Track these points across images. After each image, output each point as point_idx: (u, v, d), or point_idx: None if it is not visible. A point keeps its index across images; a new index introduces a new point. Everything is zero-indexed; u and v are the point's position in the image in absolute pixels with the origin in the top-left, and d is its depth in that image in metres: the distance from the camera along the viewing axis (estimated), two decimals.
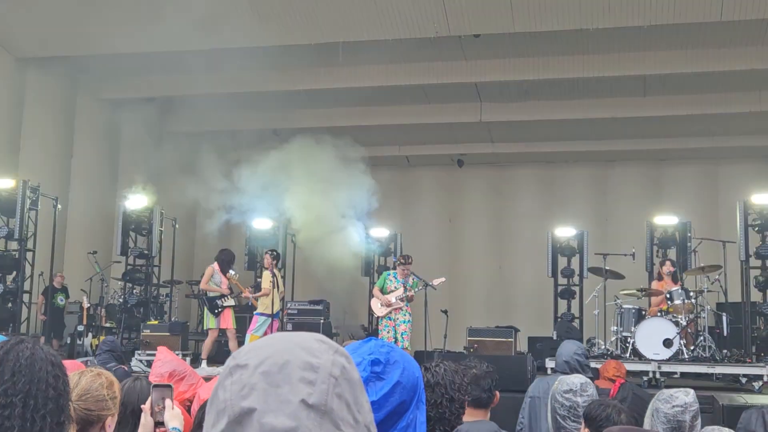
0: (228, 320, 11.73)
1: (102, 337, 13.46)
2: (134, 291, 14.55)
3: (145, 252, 14.65)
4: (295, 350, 0.96)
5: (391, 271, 11.67)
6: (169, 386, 3.27)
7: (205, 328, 12.58)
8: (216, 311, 11.65)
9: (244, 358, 0.96)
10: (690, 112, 15.87)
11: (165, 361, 4.50)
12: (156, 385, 3.24)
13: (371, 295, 11.79)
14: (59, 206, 13.43)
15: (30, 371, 2.19)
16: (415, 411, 1.66)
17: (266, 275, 12.14)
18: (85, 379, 2.78)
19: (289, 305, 14.50)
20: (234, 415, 0.91)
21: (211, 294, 11.76)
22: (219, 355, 12.98)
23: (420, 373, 1.73)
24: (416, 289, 11.24)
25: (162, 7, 12.06)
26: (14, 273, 12.79)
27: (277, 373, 0.92)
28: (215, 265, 11.93)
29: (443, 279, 11.39)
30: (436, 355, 10.29)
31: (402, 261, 11.53)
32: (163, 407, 3.16)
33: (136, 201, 14.52)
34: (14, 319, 12.48)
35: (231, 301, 11.85)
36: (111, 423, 2.80)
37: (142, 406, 3.17)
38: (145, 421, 3.13)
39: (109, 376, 2.87)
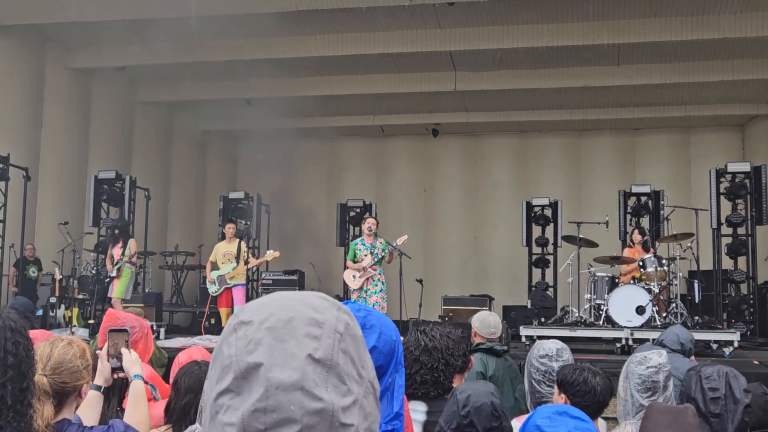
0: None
1: (75, 309, 13.40)
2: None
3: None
4: (299, 306, 0.96)
5: (358, 240, 11.58)
6: (126, 330, 3.23)
7: None
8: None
9: (248, 315, 0.96)
10: (663, 80, 15.92)
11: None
12: (112, 330, 3.20)
13: (345, 268, 11.70)
14: (29, 177, 13.26)
15: None
16: (394, 374, 1.65)
17: (243, 245, 12.16)
18: (57, 350, 2.74)
19: (263, 276, 14.50)
20: (240, 371, 0.91)
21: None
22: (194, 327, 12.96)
23: (398, 337, 1.72)
24: (387, 250, 11.06)
25: None
26: None
27: (283, 329, 0.93)
28: None
29: (406, 237, 11.26)
30: (411, 324, 10.30)
31: (363, 225, 11.47)
32: (121, 353, 3.13)
33: (108, 171, 14.40)
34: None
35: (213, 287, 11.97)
36: (86, 389, 2.78)
37: (98, 351, 3.13)
38: (102, 366, 3.10)
39: (81, 344, 2.82)
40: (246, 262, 12.08)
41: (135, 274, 12.43)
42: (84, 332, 11.89)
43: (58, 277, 13.10)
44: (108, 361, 3.11)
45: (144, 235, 15.55)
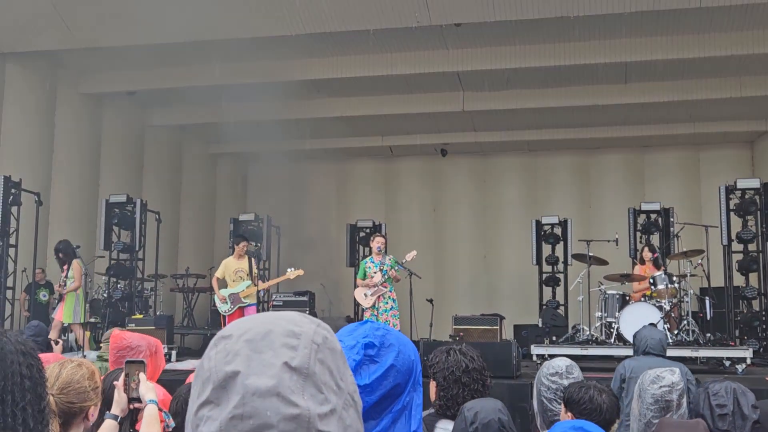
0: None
1: (87, 333, 13.42)
2: (118, 285, 14.50)
3: (129, 246, 14.61)
4: (278, 321, 0.99)
5: (367, 259, 11.59)
6: (142, 362, 3.26)
7: None
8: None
9: (228, 331, 0.99)
10: (671, 98, 15.94)
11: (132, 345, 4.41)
12: (129, 361, 3.23)
13: (356, 287, 11.72)
14: (41, 201, 13.34)
15: (2, 367, 2.17)
16: (412, 393, 1.66)
17: (253, 262, 12.11)
18: (66, 371, 2.77)
19: (274, 297, 14.50)
20: (218, 380, 0.93)
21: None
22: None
23: (417, 356, 1.73)
24: (397, 268, 11.10)
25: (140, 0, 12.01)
26: None
27: (261, 341, 0.95)
28: None
29: (414, 252, 11.28)
30: (422, 344, 10.29)
31: (372, 243, 11.49)
32: (138, 382, 3.15)
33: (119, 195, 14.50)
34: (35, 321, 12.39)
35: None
36: (93, 412, 2.79)
37: (115, 382, 3.15)
38: (119, 397, 3.12)
39: (90, 366, 2.85)
40: (262, 281, 12.00)
41: (81, 295, 12.26)
42: (95, 355, 11.90)
43: None
44: (125, 391, 3.13)
45: (155, 258, 15.59)
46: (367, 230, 16.79)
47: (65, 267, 12.03)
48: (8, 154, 14.30)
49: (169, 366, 10.72)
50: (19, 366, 2.20)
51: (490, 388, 3.44)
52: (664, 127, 18.03)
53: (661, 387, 3.55)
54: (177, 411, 3.28)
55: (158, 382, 4.49)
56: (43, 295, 14.27)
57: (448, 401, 3.30)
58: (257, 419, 0.89)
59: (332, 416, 0.93)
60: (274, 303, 14.39)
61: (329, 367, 0.96)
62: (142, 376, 3.17)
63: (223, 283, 11.93)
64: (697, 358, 11.04)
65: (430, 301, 12.82)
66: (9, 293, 12.86)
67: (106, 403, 3.46)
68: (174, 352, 12.64)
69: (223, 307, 11.75)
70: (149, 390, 3.18)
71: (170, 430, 3.39)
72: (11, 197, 12.70)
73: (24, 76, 14.73)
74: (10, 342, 2.23)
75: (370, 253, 11.74)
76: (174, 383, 3.79)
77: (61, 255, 12.16)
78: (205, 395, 0.94)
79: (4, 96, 14.48)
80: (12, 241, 12.84)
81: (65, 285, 11.91)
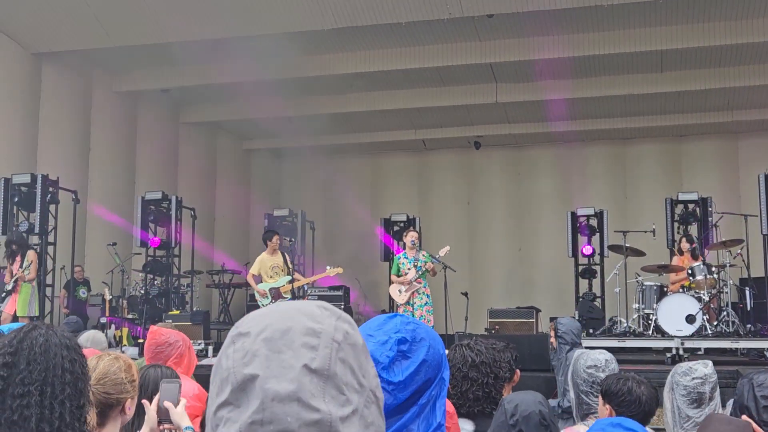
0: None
1: (125, 329, 13.58)
2: (155, 282, 14.63)
3: (165, 242, 14.74)
4: (297, 316, 0.96)
5: (401, 254, 11.57)
6: (177, 383, 3.22)
7: None
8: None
9: (245, 327, 0.97)
10: (708, 86, 15.72)
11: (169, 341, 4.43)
12: (164, 382, 3.19)
13: (390, 282, 11.72)
14: (78, 199, 13.50)
15: (45, 358, 2.20)
16: (437, 388, 1.64)
17: (287, 257, 12.13)
18: (103, 363, 2.80)
19: (309, 291, 14.54)
20: (237, 383, 0.91)
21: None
22: None
23: (444, 350, 1.71)
24: (431, 261, 11.09)
25: None
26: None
27: (279, 339, 0.93)
28: None
29: (447, 248, 11.25)
30: (457, 338, 10.27)
31: (405, 238, 11.47)
32: (171, 405, 3.07)
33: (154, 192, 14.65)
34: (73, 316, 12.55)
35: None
36: (130, 405, 2.80)
37: (144, 401, 3.13)
38: (149, 416, 3.10)
39: (127, 360, 2.87)
40: (294, 275, 12.03)
41: (36, 288, 12.01)
42: (134, 351, 12.03)
43: (107, 297, 13.29)
44: (157, 413, 3.10)
45: (191, 254, 15.72)
46: (401, 224, 16.76)
47: (17, 258, 11.68)
48: (46, 153, 14.50)
49: (205, 361, 10.79)
50: (62, 359, 2.23)
51: (508, 380, 3.39)
52: (701, 115, 17.79)
53: (693, 379, 3.50)
54: None
55: (194, 377, 4.53)
56: (82, 292, 14.46)
57: (459, 399, 3.26)
58: (277, 425, 0.88)
59: (354, 417, 0.92)
60: (309, 298, 14.41)
61: (351, 365, 0.94)
62: (171, 404, 3.10)
63: (258, 280, 11.97)
64: (737, 349, 10.89)
65: (465, 294, 12.76)
66: (48, 290, 13.02)
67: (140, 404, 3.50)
68: (211, 348, 12.73)
69: (264, 301, 11.77)
70: (183, 416, 3.14)
71: None
72: (49, 196, 12.85)
73: (60, 75, 14.93)
74: (56, 335, 2.26)
75: (404, 247, 11.71)
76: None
77: (14, 246, 11.78)
78: (224, 396, 0.92)
79: (41, 96, 14.67)
80: (50, 239, 13.00)
81: (17, 276, 11.48)
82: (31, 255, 11.79)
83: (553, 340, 6.65)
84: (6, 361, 2.19)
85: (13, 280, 11.52)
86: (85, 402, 2.26)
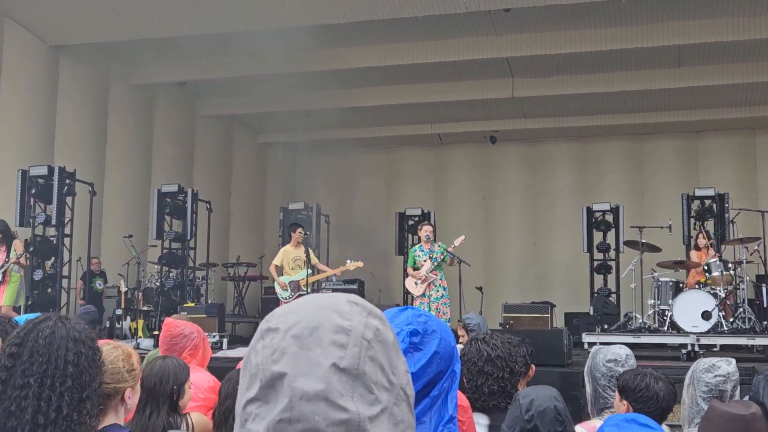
0: None
1: (140, 321, 13.64)
2: (170, 274, 14.69)
3: (181, 235, 14.79)
4: (327, 313, 0.95)
5: (416, 247, 11.56)
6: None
7: None
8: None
9: (275, 322, 0.96)
10: (726, 81, 15.61)
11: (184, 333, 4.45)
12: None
13: (406, 275, 11.73)
14: (95, 192, 13.56)
15: (48, 351, 2.21)
16: (449, 380, 1.64)
17: (311, 251, 12.16)
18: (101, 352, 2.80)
19: (324, 285, 14.56)
20: (266, 380, 0.91)
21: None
22: None
23: (455, 343, 1.71)
24: (446, 254, 11.08)
25: None
26: (53, 258, 12.97)
27: (308, 337, 0.92)
28: None
29: (462, 237, 11.23)
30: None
31: (420, 232, 11.48)
32: None
33: (170, 185, 14.70)
34: (54, 304, 12.64)
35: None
36: (131, 394, 2.79)
37: None
38: None
39: (127, 349, 2.87)
40: (318, 265, 12.07)
41: (23, 278, 11.90)
42: (149, 343, 12.09)
43: (123, 289, 13.35)
44: None
45: (206, 247, 15.77)
46: (416, 218, 16.75)
47: (2, 248, 11.61)
48: (63, 146, 14.58)
49: (220, 354, 10.84)
50: (66, 352, 2.23)
51: (523, 375, 3.38)
52: (719, 111, 17.67)
53: (716, 376, 3.48)
54: (228, 393, 3.32)
55: (208, 369, 4.55)
56: (98, 284, 14.54)
57: (474, 393, 3.26)
58: (305, 423, 0.88)
59: (382, 416, 0.91)
60: (324, 291, 14.44)
61: (380, 363, 0.93)
62: None
63: (280, 271, 12.03)
64: (753, 346, 10.83)
65: (480, 289, 12.76)
66: (65, 282, 13.09)
67: (153, 394, 3.51)
68: (225, 340, 12.78)
69: (283, 294, 11.83)
70: None
71: None
72: (66, 188, 12.92)
73: (77, 68, 15.00)
74: (64, 328, 2.27)
75: (419, 241, 11.72)
76: (226, 371, 3.81)
77: (0, 236, 11.69)
78: (253, 392, 0.92)
79: (58, 88, 14.75)
80: (67, 231, 13.07)
81: (11, 265, 11.37)
82: (17, 245, 11.73)
83: (463, 334, 6.57)
84: (12, 352, 2.21)
85: (1, 270, 11.46)
86: (90, 394, 2.27)
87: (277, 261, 12.07)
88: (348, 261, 11.92)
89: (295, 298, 11.45)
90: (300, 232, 12.01)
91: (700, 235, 12.59)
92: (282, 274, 11.97)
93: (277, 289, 12.06)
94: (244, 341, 15.14)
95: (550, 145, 20.13)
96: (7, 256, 11.56)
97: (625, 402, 3.44)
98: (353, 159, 20.14)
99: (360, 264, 11.78)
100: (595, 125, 18.70)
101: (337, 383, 0.89)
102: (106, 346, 2.87)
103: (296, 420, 0.88)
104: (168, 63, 16.01)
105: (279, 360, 0.91)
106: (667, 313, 10.99)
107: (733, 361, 3.62)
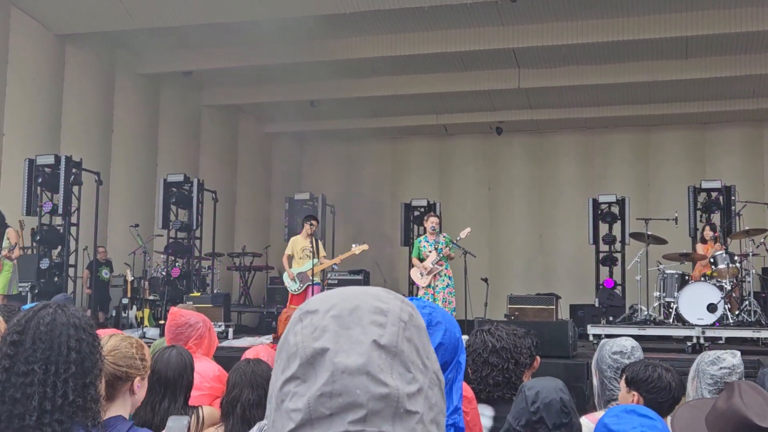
0: None
1: (146, 310, 13.67)
2: (176, 264, 14.71)
3: (187, 224, 14.81)
4: (364, 296, 0.97)
5: (422, 237, 11.57)
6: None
7: None
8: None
9: (313, 305, 0.97)
10: (733, 73, 15.56)
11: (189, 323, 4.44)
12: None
13: (411, 266, 11.73)
14: (101, 181, 13.58)
15: (49, 337, 2.23)
16: (454, 371, 1.64)
17: (319, 243, 12.19)
18: (114, 339, 2.83)
19: (329, 276, 14.57)
20: (306, 357, 0.92)
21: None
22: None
23: (460, 334, 1.71)
24: (451, 246, 11.10)
25: None
26: (59, 247, 13.00)
27: (348, 317, 0.94)
28: None
29: (468, 229, 11.26)
30: (477, 323, 10.26)
31: (425, 223, 11.49)
32: None
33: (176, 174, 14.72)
34: (60, 293, 12.66)
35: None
36: (140, 384, 2.80)
37: None
38: None
39: (138, 341, 2.89)
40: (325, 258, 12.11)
41: (16, 267, 11.87)
42: (155, 332, 12.13)
43: (129, 278, 13.39)
44: None
45: (212, 237, 15.80)
46: (422, 209, 16.74)
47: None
48: (69, 135, 14.59)
49: (225, 343, 10.86)
50: (68, 338, 2.25)
51: (528, 366, 3.38)
52: (726, 102, 17.61)
53: (721, 368, 3.47)
54: (236, 383, 3.33)
55: (214, 358, 4.56)
56: (105, 273, 14.57)
57: (479, 384, 3.25)
58: (346, 397, 0.88)
59: (419, 395, 0.92)
60: (329, 282, 14.45)
61: (416, 345, 0.95)
62: None
63: (290, 261, 12.08)
64: (758, 339, 10.81)
65: (485, 280, 12.75)
66: (71, 271, 13.13)
67: (162, 382, 3.52)
68: (231, 330, 12.81)
69: (292, 286, 11.87)
70: None
71: None
72: (72, 177, 12.93)
73: (83, 57, 15.00)
74: (64, 314, 2.28)
75: (424, 232, 11.72)
76: (231, 360, 3.81)
77: None
78: (291, 371, 0.92)
79: (65, 77, 14.76)
80: (73, 220, 13.10)
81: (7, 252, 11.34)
82: (11, 233, 11.75)
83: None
84: (14, 340, 2.23)
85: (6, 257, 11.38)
86: (93, 380, 2.28)
87: (288, 251, 12.20)
88: (353, 245, 11.95)
89: (304, 290, 11.52)
90: (313, 225, 12.07)
91: (707, 228, 12.56)
92: (292, 265, 12.03)
93: (286, 281, 12.11)
94: (250, 331, 15.19)
95: (556, 137, 20.08)
96: (2, 245, 11.57)
97: (634, 393, 3.41)
98: (359, 149, 20.12)
99: (365, 246, 11.81)
100: (602, 116, 18.66)
101: (378, 359, 0.90)
102: (118, 335, 2.88)
103: (338, 394, 0.88)
104: (174, 52, 16.01)
105: (320, 337, 0.92)
106: (672, 305, 10.99)
107: (738, 353, 3.61)
